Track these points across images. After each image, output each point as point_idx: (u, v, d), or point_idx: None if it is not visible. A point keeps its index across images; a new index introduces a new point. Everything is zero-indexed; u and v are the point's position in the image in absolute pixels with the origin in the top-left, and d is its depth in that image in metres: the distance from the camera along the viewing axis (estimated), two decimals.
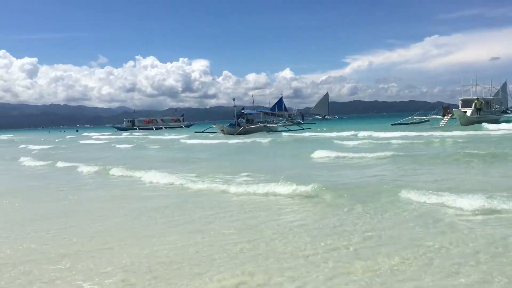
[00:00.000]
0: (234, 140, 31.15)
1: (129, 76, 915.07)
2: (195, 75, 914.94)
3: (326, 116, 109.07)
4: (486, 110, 37.20)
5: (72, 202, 9.30)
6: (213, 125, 45.03)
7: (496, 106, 40.53)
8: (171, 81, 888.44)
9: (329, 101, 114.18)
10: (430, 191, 7.53)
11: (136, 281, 4.36)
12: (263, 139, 29.84)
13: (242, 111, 44.26)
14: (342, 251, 4.96)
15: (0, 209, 8.82)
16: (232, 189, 9.31)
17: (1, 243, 5.96)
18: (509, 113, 41.84)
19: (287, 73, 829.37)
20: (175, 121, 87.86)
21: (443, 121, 35.84)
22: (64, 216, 7.63)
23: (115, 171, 13.97)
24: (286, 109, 68.45)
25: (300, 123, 58.13)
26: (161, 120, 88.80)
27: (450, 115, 35.82)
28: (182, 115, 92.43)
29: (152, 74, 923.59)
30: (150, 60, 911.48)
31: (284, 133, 38.77)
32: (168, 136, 44.38)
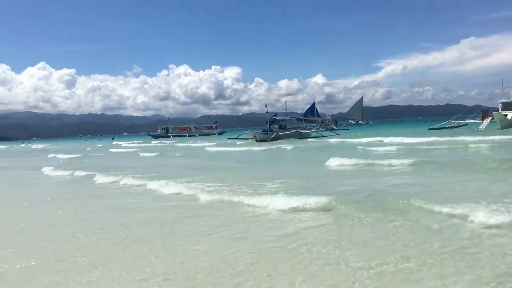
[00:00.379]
0: (259, 148, 30.59)
1: (163, 84, 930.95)
2: (227, 82, 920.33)
3: (360, 121, 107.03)
4: None
5: (92, 211, 8.89)
6: (245, 132, 44.51)
7: None
8: (204, 89, 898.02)
9: (363, 106, 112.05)
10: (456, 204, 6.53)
11: None
12: (288, 146, 29.13)
13: (275, 117, 43.56)
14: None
15: (29, 219, 8.52)
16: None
17: (27, 253, 5.68)
18: None
19: (319, 78, 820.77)
20: (208, 128, 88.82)
21: (482, 125, 34.57)
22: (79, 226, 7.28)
23: (126, 180, 13.71)
24: (318, 115, 67.66)
25: (333, 129, 57.00)
26: (195, 127, 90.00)
27: (490, 118, 34.64)
28: (215, 122, 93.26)
29: (185, 82, 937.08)
30: (183, 68, 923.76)
31: (309, 139, 37.98)
32: (194, 143, 44.45)
